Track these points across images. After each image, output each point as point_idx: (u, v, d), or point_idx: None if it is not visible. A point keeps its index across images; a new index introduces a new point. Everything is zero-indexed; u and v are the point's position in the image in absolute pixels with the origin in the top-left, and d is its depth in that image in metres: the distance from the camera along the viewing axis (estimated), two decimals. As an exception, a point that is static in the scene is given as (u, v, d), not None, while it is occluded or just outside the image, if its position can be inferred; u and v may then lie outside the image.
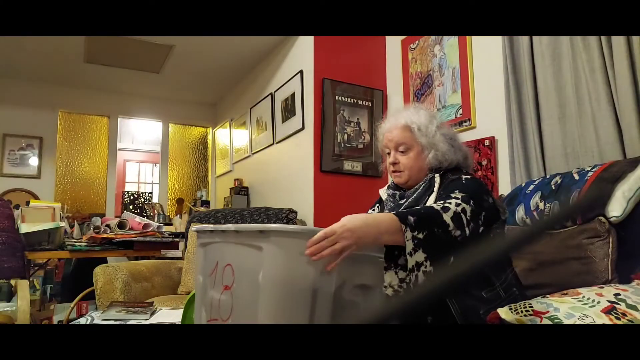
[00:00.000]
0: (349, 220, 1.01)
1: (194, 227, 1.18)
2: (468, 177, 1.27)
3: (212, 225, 1.11)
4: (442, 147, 1.32)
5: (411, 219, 1.07)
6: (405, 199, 1.33)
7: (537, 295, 1.12)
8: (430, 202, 1.26)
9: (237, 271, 0.99)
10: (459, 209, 1.14)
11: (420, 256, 1.08)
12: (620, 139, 1.70)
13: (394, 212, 1.12)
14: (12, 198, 4.10)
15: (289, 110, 3.32)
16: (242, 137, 4.23)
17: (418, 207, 1.17)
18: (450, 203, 1.14)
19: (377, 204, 1.53)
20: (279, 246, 0.89)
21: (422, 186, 1.32)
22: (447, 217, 1.11)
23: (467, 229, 1.13)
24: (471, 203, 1.17)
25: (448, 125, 1.39)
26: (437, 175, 1.32)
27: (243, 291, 0.96)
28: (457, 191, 1.19)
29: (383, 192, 1.48)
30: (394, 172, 1.37)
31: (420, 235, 1.07)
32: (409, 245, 1.06)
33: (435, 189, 1.28)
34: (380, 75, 3.22)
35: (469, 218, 1.14)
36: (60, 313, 2.82)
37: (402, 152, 1.34)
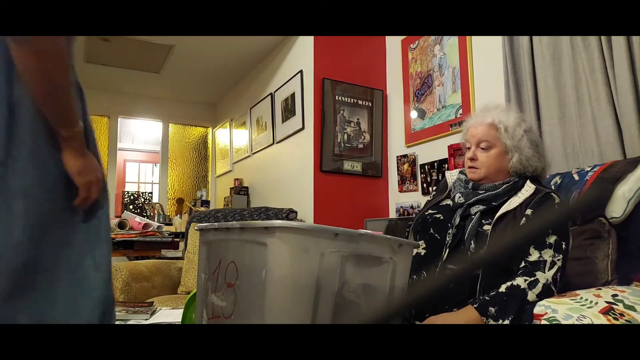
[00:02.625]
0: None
1: (197, 225, 1.18)
2: (558, 201, 1.26)
3: (216, 223, 1.11)
4: (527, 152, 1.30)
5: (492, 309, 1.08)
6: (483, 191, 1.32)
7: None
8: (511, 204, 1.24)
9: (240, 268, 0.99)
10: (550, 274, 1.13)
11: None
12: (620, 138, 1.70)
13: (474, 304, 1.12)
14: (12, 198, 4.09)
15: (289, 110, 3.32)
16: (242, 137, 4.23)
17: (502, 291, 1.13)
18: (542, 268, 1.13)
19: (437, 188, 1.51)
20: (284, 242, 0.89)
21: (504, 186, 1.30)
22: (532, 294, 1.11)
23: (555, 291, 1.13)
24: (563, 247, 1.16)
25: (536, 132, 1.37)
26: (529, 182, 1.30)
27: (246, 288, 0.97)
28: (551, 232, 1.17)
29: (452, 175, 1.45)
30: (470, 167, 1.35)
31: (506, 322, 1.09)
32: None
33: (524, 196, 1.25)
34: (380, 75, 3.22)
35: (558, 278, 1.15)
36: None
37: (483, 149, 1.33)
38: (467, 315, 1.10)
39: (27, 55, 0.80)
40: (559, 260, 1.15)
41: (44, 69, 0.81)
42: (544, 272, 1.13)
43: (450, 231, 1.27)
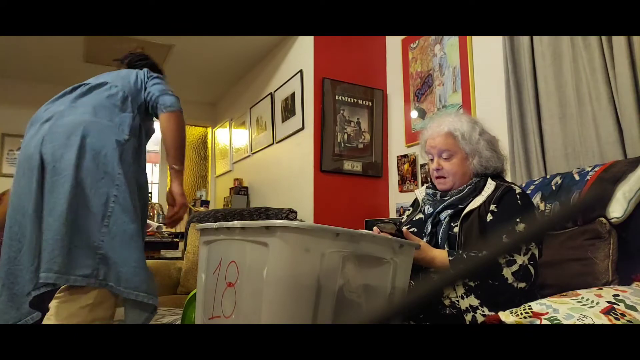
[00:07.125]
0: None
1: (198, 225, 1.18)
2: (520, 191, 1.29)
3: (217, 223, 1.11)
4: (486, 154, 1.35)
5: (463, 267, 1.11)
6: (448, 197, 1.37)
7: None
8: (475, 203, 1.29)
9: (241, 268, 0.99)
10: (527, 258, 1.18)
11: (473, 301, 1.16)
12: (620, 138, 1.70)
13: (450, 255, 1.18)
14: (12, 198, 4.09)
15: (288, 110, 3.31)
16: (242, 137, 4.23)
17: (479, 254, 1.18)
18: (518, 252, 1.17)
19: (411, 206, 1.55)
20: (285, 242, 0.89)
21: (467, 188, 1.35)
22: (507, 271, 1.15)
23: (533, 277, 1.18)
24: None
25: (489, 131, 1.42)
26: (490, 180, 1.35)
27: (247, 288, 0.97)
28: (519, 221, 1.22)
29: (420, 192, 1.50)
30: (438, 177, 1.40)
31: (472, 283, 1.13)
32: (459, 290, 1.16)
33: (486, 194, 1.31)
34: (381, 75, 3.21)
35: (536, 262, 1.19)
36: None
37: (445, 158, 1.37)
38: (444, 258, 1.20)
39: (175, 116, 1.55)
40: (533, 247, 1.21)
41: (181, 125, 1.56)
42: (521, 256, 1.19)
43: (424, 240, 1.33)
